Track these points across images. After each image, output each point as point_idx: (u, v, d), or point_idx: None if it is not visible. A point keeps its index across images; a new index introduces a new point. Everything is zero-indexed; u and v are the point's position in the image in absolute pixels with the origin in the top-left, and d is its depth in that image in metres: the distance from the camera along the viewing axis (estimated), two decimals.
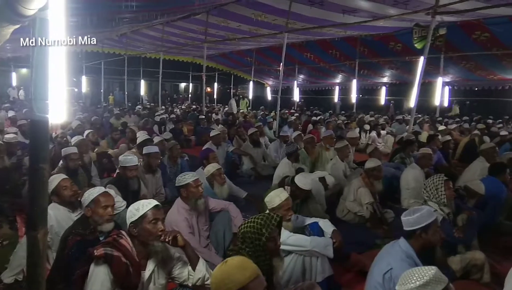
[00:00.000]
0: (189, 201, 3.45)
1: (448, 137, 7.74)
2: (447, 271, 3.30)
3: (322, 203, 4.57)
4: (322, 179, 5.00)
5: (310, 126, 11.23)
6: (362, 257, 3.64)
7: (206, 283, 2.34)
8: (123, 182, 4.20)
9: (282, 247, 2.88)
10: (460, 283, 3.26)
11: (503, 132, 9.22)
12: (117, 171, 4.68)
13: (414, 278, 1.65)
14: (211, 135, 7.01)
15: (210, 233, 3.63)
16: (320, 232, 3.20)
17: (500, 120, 14.33)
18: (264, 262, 2.31)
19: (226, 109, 18.37)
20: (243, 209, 4.18)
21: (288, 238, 2.92)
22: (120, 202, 3.61)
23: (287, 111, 16.80)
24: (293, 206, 3.85)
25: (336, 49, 15.87)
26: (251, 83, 20.29)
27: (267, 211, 3.07)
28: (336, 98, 21.12)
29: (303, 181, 3.89)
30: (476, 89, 17.08)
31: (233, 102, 18.94)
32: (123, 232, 2.31)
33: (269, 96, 24.12)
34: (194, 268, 2.33)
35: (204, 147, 6.55)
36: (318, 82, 21.90)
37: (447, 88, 16.63)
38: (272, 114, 15.09)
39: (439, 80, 12.84)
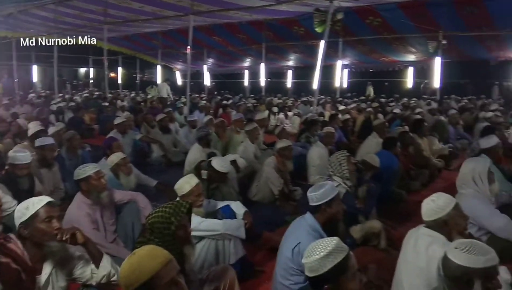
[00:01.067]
0: (90, 195, 3.21)
1: (347, 116, 8.33)
2: (349, 239, 3.57)
3: (234, 186, 4.61)
4: (233, 162, 5.03)
5: (220, 110, 11.22)
6: (273, 235, 3.76)
7: (112, 279, 2.20)
8: (13, 180, 3.75)
9: (194, 233, 2.83)
10: (360, 250, 3.56)
11: (395, 110, 10.20)
12: (6, 167, 4.16)
13: (318, 249, 1.72)
14: (115, 123, 6.61)
15: (117, 227, 3.43)
16: (232, 215, 3.22)
17: (392, 99, 15.82)
18: (175, 251, 2.22)
19: (149, 96, 17.01)
20: (154, 199, 4.04)
21: (200, 223, 2.89)
22: (9, 202, 3.22)
23: (197, 96, 16.57)
24: (207, 191, 3.83)
25: (243, 33, 15.97)
26: (158, 67, 19.53)
27: (178, 199, 3.00)
28: (246, 82, 21.38)
29: (221, 163, 3.88)
30: (371, 71, 18.64)
31: (162, 85, 17.63)
32: (12, 235, 2.06)
33: (179, 81, 23.49)
34: (97, 266, 2.17)
35: (108, 136, 6.16)
36: (227, 66, 21.91)
37: (346, 71, 17.85)
38: (183, 99, 14.75)
39: (339, 63, 13.66)
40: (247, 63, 20.72)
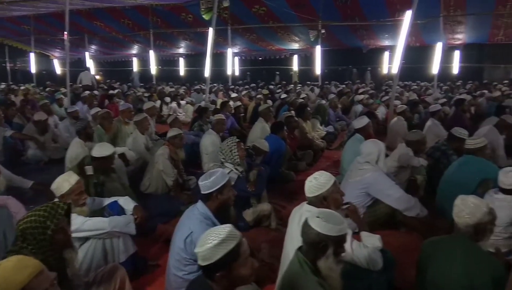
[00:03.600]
0: None
1: (239, 103, 8.51)
2: (243, 223, 3.69)
3: (124, 180, 4.38)
4: (121, 156, 4.77)
5: (107, 101, 10.50)
6: (168, 226, 3.69)
7: None
8: None
9: (77, 234, 2.65)
10: (253, 231, 3.71)
11: (283, 96, 10.71)
12: None
13: (211, 238, 1.72)
14: None
15: None
16: (121, 211, 3.06)
17: (280, 85, 16.61)
18: (54, 257, 2.05)
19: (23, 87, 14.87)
20: (30, 202, 3.64)
21: (83, 223, 2.69)
22: None
23: (80, 85, 15.23)
24: (94, 188, 3.58)
25: (128, 19, 15.15)
26: (32, 55, 17.47)
27: (56, 199, 2.74)
28: (135, 70, 20.35)
29: (99, 149, 3.68)
30: (260, 58, 19.26)
31: (85, 74, 15.37)
32: None
33: (57, 70, 21.31)
34: None
35: None
36: (113, 53, 20.59)
37: (237, 59, 18.18)
38: (62, 89, 13.41)
39: (229, 51, 13.84)
40: (134, 50, 19.71)
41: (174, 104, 10.72)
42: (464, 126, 4.87)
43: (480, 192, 3.59)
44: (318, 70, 14.40)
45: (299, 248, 2.01)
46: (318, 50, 13.76)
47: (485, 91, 11.35)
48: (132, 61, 20.47)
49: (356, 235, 2.60)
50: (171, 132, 4.83)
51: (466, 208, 2.20)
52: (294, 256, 2.00)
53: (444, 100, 8.71)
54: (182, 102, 11.03)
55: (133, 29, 15.90)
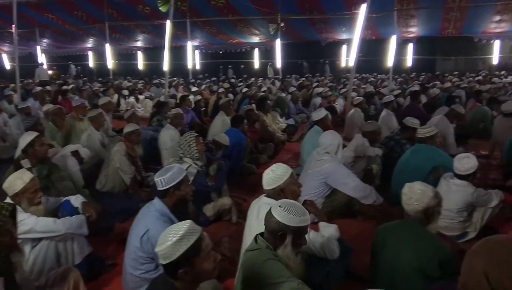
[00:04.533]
0: None
1: (199, 97, 8.42)
2: (203, 218, 3.66)
3: (78, 178, 4.21)
4: (75, 153, 4.59)
5: (60, 97, 10.05)
6: (126, 225, 3.58)
7: None
8: None
9: (29, 235, 2.54)
10: (214, 226, 3.70)
11: (244, 89, 10.70)
12: None
13: (171, 235, 1.68)
14: None
15: None
16: (73, 210, 2.94)
17: (241, 79, 16.58)
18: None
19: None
20: None
21: (36, 224, 2.57)
22: None
23: (31, 81, 14.47)
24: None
25: (82, 11, 14.52)
26: None
27: (8, 199, 2.60)
28: (90, 64, 19.62)
29: (22, 139, 3.55)
30: (221, 52, 19.11)
31: (41, 70, 14.27)
32: None
33: (7, 65, 20.13)
34: None
35: None
36: (67, 47, 19.70)
37: (197, 52, 17.94)
38: (12, 85, 12.69)
39: (189, 44, 13.62)
40: (89, 43, 18.98)
41: (132, 99, 10.45)
42: (419, 116, 5.07)
43: (432, 179, 3.78)
44: (278, 63, 14.48)
45: (260, 234, 2.05)
46: (278, 43, 13.84)
47: (437, 82, 11.86)
48: (87, 55, 19.71)
49: (315, 225, 2.64)
50: (128, 128, 4.70)
51: (414, 195, 2.30)
52: (253, 240, 2.05)
53: (399, 91, 9.02)
54: (141, 97, 10.77)
55: (88, 21, 15.26)
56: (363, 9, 7.10)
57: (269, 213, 1.98)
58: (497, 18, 12.30)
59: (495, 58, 16.61)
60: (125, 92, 10.95)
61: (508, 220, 3.25)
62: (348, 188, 3.63)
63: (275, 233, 1.94)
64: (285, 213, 1.92)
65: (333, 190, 3.70)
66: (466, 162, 3.29)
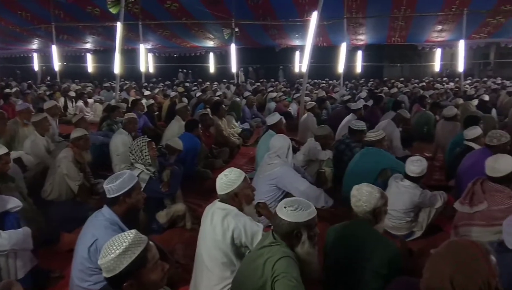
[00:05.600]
0: None
1: (152, 101, 8.24)
2: (156, 225, 3.58)
3: (21, 187, 3.97)
4: (17, 160, 4.33)
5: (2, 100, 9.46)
6: (74, 235, 3.42)
7: None
8: None
9: None
10: (168, 233, 3.63)
11: (198, 94, 10.62)
12: None
13: (114, 247, 1.60)
14: None
15: None
16: (16, 223, 2.76)
17: (196, 83, 16.45)
18: None
19: None
20: None
21: None
22: None
23: None
24: None
25: (26, 10, 13.72)
26: None
27: None
28: (36, 66, 18.62)
29: None
30: (175, 56, 18.82)
31: None
32: None
33: None
34: None
35: None
36: (10, 48, 18.54)
37: (150, 55, 17.57)
38: None
39: (141, 47, 13.30)
40: (35, 45, 17.99)
41: (80, 103, 10.02)
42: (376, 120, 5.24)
43: (380, 180, 3.94)
44: (234, 68, 14.51)
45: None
46: (233, 48, 13.86)
47: (385, 88, 12.43)
48: (32, 56, 18.69)
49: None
50: (75, 133, 4.50)
51: (362, 197, 2.39)
52: (271, 235, 2.04)
53: (349, 96, 9.35)
54: (90, 101, 10.36)
55: (33, 22, 14.45)
56: (314, 17, 7.29)
57: (277, 218, 2.00)
58: (439, 27, 13.10)
59: (437, 65, 17.70)
60: (72, 94, 10.51)
61: (449, 219, 3.44)
62: (298, 191, 3.69)
63: (290, 234, 1.96)
64: (293, 211, 1.96)
65: (286, 193, 3.75)
66: (419, 165, 3.48)
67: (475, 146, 4.31)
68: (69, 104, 10.36)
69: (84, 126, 5.28)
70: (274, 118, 5.12)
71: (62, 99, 10.59)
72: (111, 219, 2.41)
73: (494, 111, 7.77)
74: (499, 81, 15.48)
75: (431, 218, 3.62)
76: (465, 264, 1.28)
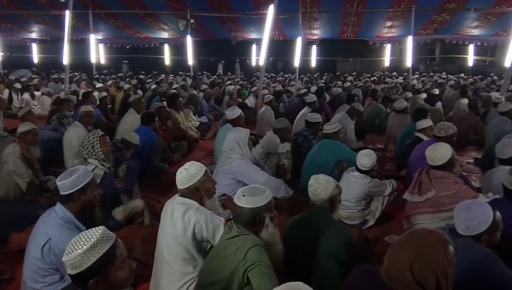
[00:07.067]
0: None
1: (104, 94, 7.93)
2: (113, 223, 3.47)
3: None
4: None
5: None
6: (23, 235, 3.24)
7: None
8: None
9: None
10: (126, 230, 3.53)
11: (153, 86, 10.35)
12: None
13: (81, 242, 1.55)
14: None
15: None
16: None
17: (150, 75, 16.02)
18: None
19: None
20: None
21: None
22: None
23: None
24: None
25: None
26: None
27: None
28: None
29: None
30: (128, 47, 18.20)
31: None
32: None
33: None
34: None
35: None
36: None
37: (101, 46, 16.86)
38: None
39: (92, 37, 12.76)
40: None
41: (26, 96, 9.46)
42: (325, 112, 5.38)
43: (337, 172, 4.07)
44: (190, 60, 14.29)
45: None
46: (188, 40, 13.64)
47: (339, 82, 12.77)
48: None
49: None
50: (22, 127, 4.26)
51: (320, 186, 2.48)
52: (228, 228, 2.09)
53: (305, 90, 9.51)
54: (37, 93, 9.80)
55: None
56: (271, 10, 7.33)
57: (237, 207, 2.03)
58: (389, 24, 13.63)
59: (387, 60, 18.41)
60: (18, 85, 9.90)
61: (401, 207, 3.62)
62: (258, 183, 3.72)
63: (253, 220, 2.02)
64: (252, 197, 2.02)
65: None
66: (369, 158, 3.62)
67: (424, 137, 4.55)
68: (14, 96, 9.76)
69: (32, 120, 5.01)
70: (234, 112, 5.11)
71: (6, 91, 9.96)
72: (65, 217, 2.31)
73: (439, 104, 8.24)
74: (444, 76, 16.39)
75: (383, 207, 3.78)
76: (423, 252, 1.34)
